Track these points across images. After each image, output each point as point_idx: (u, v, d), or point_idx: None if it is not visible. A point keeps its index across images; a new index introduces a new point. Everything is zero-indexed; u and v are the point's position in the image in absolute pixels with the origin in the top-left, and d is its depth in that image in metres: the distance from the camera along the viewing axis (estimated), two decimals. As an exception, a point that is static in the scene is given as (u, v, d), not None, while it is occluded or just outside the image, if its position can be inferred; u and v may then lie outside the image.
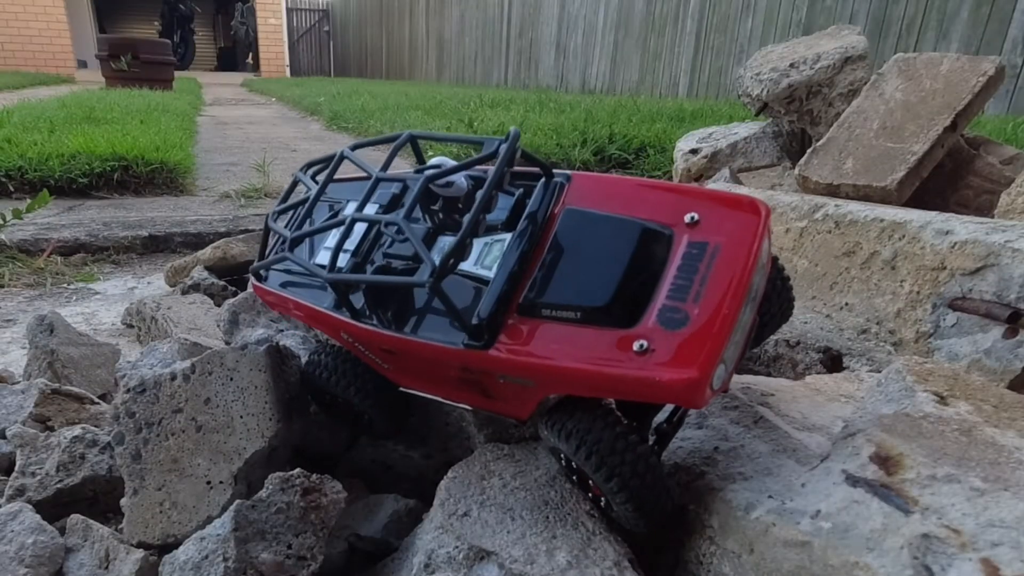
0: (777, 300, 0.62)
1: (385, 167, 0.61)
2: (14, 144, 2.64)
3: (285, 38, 15.22)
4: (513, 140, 0.53)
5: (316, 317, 0.62)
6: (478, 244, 0.57)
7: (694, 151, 1.88)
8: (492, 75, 9.02)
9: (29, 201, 1.60)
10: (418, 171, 0.58)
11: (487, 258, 0.56)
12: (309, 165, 0.69)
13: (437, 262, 0.50)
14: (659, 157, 2.96)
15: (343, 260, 0.61)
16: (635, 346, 0.48)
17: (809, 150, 1.38)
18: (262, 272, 0.68)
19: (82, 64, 12.75)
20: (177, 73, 8.54)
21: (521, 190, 0.58)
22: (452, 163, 0.56)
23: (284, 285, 0.66)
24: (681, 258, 0.50)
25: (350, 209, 0.66)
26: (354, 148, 0.63)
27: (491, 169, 0.53)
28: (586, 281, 0.51)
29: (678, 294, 0.49)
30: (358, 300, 0.59)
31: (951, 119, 1.23)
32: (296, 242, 0.60)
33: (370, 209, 0.65)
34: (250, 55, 17.21)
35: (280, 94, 8.65)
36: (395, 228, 0.53)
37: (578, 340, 0.50)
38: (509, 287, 0.53)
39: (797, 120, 1.69)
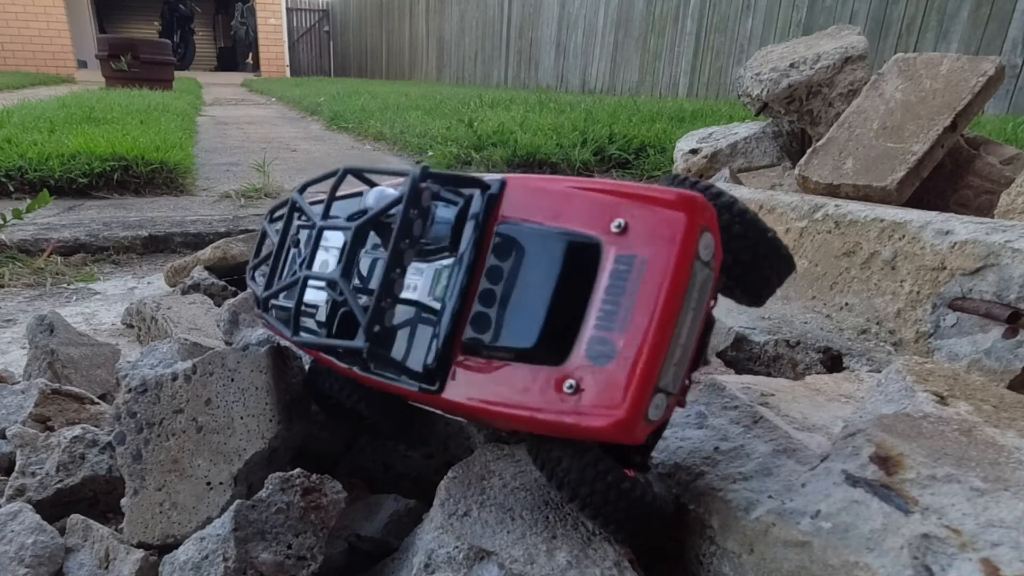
0: (764, 263, 0.55)
1: (326, 210, 0.58)
2: (14, 144, 2.64)
3: (285, 38, 15.22)
4: (413, 183, 0.50)
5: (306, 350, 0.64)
6: (428, 271, 0.55)
7: (694, 151, 1.88)
8: (492, 75, 9.02)
9: (29, 201, 1.60)
10: (352, 216, 0.57)
11: (437, 288, 0.54)
12: (272, 212, 0.69)
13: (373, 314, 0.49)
14: (659, 157, 2.97)
15: (319, 296, 0.60)
16: (565, 386, 0.46)
17: (809, 150, 1.39)
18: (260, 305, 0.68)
19: (82, 64, 12.75)
20: (177, 73, 8.54)
21: (462, 201, 0.55)
22: (392, 193, 0.55)
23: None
24: (609, 276, 0.47)
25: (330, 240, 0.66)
26: (303, 189, 0.62)
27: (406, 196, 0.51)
28: (517, 316, 0.49)
29: (605, 322, 0.46)
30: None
31: (951, 119, 1.24)
32: (266, 302, 0.61)
33: (337, 238, 0.64)
34: (250, 55, 17.21)
35: (280, 94, 8.65)
36: (337, 286, 0.52)
37: (515, 380, 0.48)
38: (453, 327, 0.51)
39: (797, 120, 1.69)
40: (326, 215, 0.58)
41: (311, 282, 0.60)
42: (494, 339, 0.49)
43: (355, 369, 0.58)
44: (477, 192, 0.54)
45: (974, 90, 1.24)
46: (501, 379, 0.49)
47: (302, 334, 0.58)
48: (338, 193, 0.60)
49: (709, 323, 0.52)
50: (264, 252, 0.69)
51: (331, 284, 0.55)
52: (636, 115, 3.87)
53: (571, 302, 0.48)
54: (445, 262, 0.54)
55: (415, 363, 0.53)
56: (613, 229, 0.47)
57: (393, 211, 0.53)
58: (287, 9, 15.84)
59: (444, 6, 10.33)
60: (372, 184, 0.60)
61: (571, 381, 0.46)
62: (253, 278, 0.69)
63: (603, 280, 0.47)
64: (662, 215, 0.46)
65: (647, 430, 0.46)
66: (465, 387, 0.50)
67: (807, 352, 0.92)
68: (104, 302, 1.53)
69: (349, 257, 0.52)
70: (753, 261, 0.53)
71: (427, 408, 0.65)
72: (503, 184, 0.54)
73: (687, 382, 0.50)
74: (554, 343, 0.47)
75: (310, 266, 0.59)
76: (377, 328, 0.50)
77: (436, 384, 0.51)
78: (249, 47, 16.96)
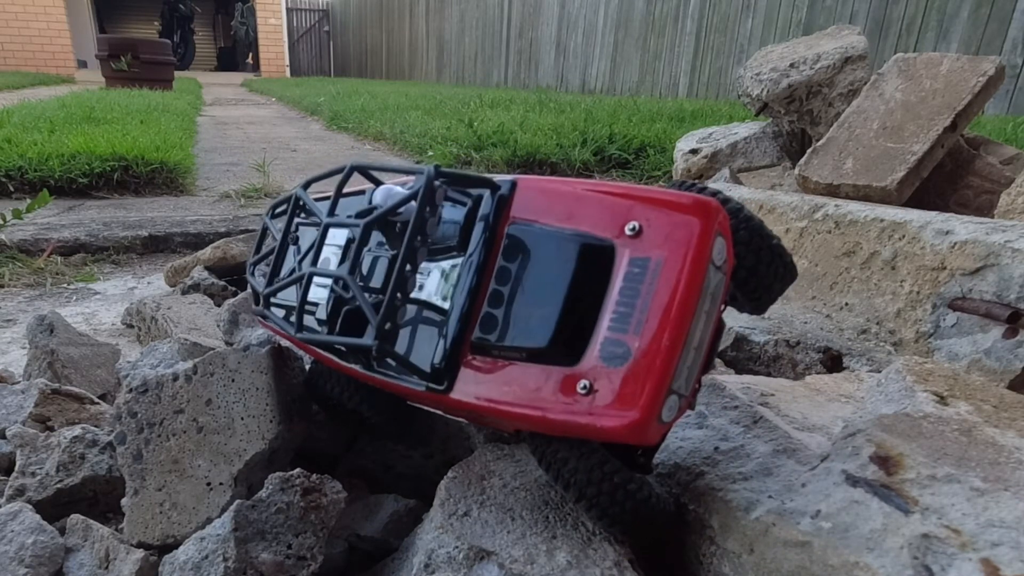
0: (767, 270, 0.55)
1: (332, 207, 0.58)
2: (14, 144, 2.64)
3: (285, 38, 15.22)
4: (428, 181, 0.50)
5: (307, 349, 0.64)
6: (435, 270, 0.55)
7: (694, 151, 1.88)
8: (492, 75, 9.02)
9: (29, 201, 1.60)
10: (360, 214, 0.57)
11: (445, 287, 0.54)
12: (273, 208, 0.69)
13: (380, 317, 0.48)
14: (659, 157, 2.97)
15: (320, 294, 0.60)
16: (579, 387, 0.46)
17: (809, 150, 1.39)
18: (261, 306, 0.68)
19: (82, 64, 12.75)
20: (177, 73, 8.54)
21: (471, 201, 0.55)
22: (400, 191, 0.54)
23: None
24: (623, 279, 0.47)
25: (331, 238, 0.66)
26: (307, 185, 0.62)
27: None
28: (528, 316, 0.49)
29: (620, 324, 0.46)
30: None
31: (951, 119, 1.24)
32: (267, 299, 0.61)
33: (338, 236, 0.64)
34: (250, 55, 17.21)
35: (280, 94, 8.65)
36: (342, 283, 0.52)
37: (526, 380, 0.48)
38: (462, 326, 0.51)
39: (797, 120, 1.69)
40: (332, 212, 0.58)
41: (315, 279, 0.60)
42: (505, 339, 0.49)
43: (358, 368, 0.57)
44: (487, 192, 0.54)
45: (974, 90, 1.24)
46: (511, 379, 0.49)
47: (304, 332, 0.58)
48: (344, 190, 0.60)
49: (720, 327, 0.52)
50: (265, 249, 0.69)
51: (337, 281, 0.55)
52: (636, 115, 3.87)
53: (585, 304, 0.48)
54: (454, 262, 0.54)
55: (422, 362, 0.53)
56: (627, 232, 0.47)
57: (401, 210, 0.53)
58: (287, 9, 15.84)
59: (444, 6, 10.33)
60: (378, 182, 0.60)
61: (585, 382, 0.46)
62: (253, 274, 0.68)
63: (617, 282, 0.47)
64: (677, 219, 0.46)
65: (660, 431, 0.46)
66: (474, 387, 0.50)
67: (807, 352, 0.92)
68: (104, 302, 1.53)
69: (356, 254, 0.52)
70: (756, 267, 0.53)
71: (427, 408, 0.65)
72: (514, 185, 0.54)
73: (697, 385, 0.50)
74: (567, 344, 0.47)
75: (315, 263, 0.59)
76: (388, 326, 0.50)
77: (444, 383, 0.51)
78: (249, 47, 16.97)
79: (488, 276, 0.52)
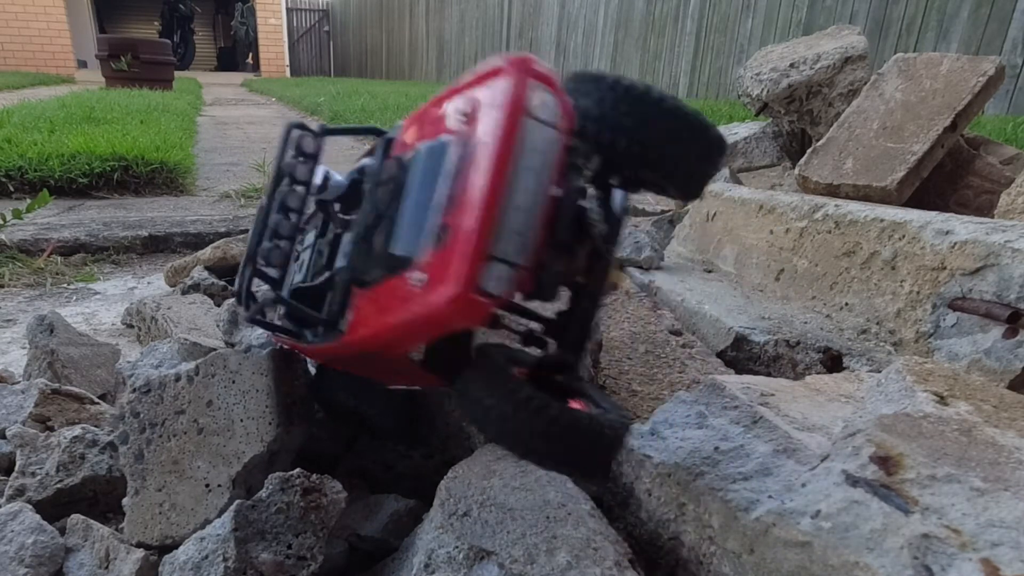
0: (667, 140, 0.48)
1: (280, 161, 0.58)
2: (14, 144, 2.64)
3: (285, 38, 15.22)
4: (286, 129, 0.52)
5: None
6: (347, 234, 0.57)
7: (694, 151, 1.88)
8: (492, 75, 9.01)
9: (29, 201, 1.60)
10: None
11: (337, 244, 0.56)
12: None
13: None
14: (659, 157, 2.96)
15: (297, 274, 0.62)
16: (414, 281, 0.44)
17: (809, 150, 1.39)
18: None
19: (82, 64, 12.75)
20: (177, 73, 8.54)
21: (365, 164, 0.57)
22: (336, 175, 0.57)
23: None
24: (454, 166, 0.45)
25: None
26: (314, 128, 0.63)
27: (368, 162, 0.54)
28: (387, 239, 0.49)
29: (447, 207, 0.44)
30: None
31: (951, 119, 1.24)
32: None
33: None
34: (250, 55, 17.21)
35: (280, 94, 8.65)
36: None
37: (386, 299, 0.48)
38: (349, 274, 0.52)
39: (797, 120, 1.69)
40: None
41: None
42: (372, 268, 0.50)
43: (297, 343, 0.59)
44: (380, 140, 0.55)
45: (974, 90, 1.24)
46: (379, 302, 0.48)
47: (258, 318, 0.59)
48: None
49: (571, 196, 0.46)
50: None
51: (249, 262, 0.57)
52: (636, 115, 3.87)
53: (421, 208, 0.46)
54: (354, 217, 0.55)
55: (325, 314, 0.54)
56: (458, 123, 0.46)
57: (328, 187, 0.57)
58: (287, 9, 15.84)
59: (444, 6, 10.32)
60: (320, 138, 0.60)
61: (418, 275, 0.44)
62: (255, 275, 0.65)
63: (449, 171, 0.45)
64: (492, 87, 0.43)
65: (487, 305, 0.42)
66: (359, 323, 0.50)
67: (807, 352, 0.92)
68: (104, 302, 1.53)
69: (258, 229, 0.55)
70: (650, 137, 0.48)
71: (347, 369, 0.65)
72: (402, 125, 0.54)
73: (546, 261, 0.46)
74: (409, 245, 0.47)
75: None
76: (244, 294, 0.53)
77: (336, 329, 0.52)
78: (249, 47, 16.96)
79: (371, 218, 0.52)
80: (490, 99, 0.43)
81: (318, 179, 0.56)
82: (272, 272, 0.58)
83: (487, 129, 0.42)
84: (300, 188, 0.56)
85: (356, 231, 0.52)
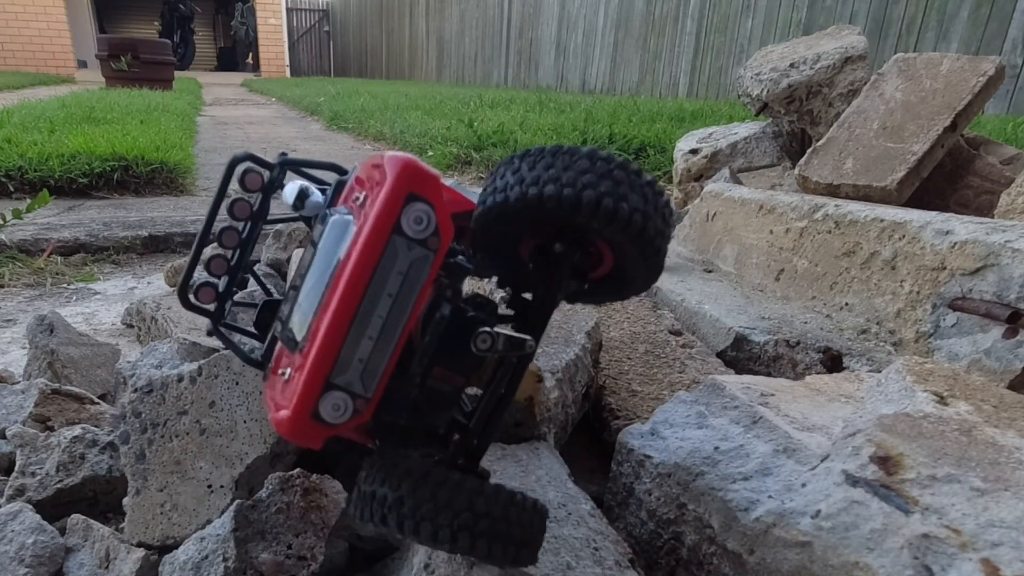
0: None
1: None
2: (14, 144, 2.64)
3: (285, 38, 15.22)
4: (230, 164, 0.48)
5: None
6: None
7: (694, 151, 1.88)
8: (492, 75, 9.02)
9: (29, 201, 1.60)
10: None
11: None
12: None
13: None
14: (659, 157, 2.96)
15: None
16: (281, 374, 0.41)
17: (809, 150, 1.39)
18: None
19: (82, 64, 12.75)
20: (177, 73, 8.54)
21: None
22: (314, 189, 0.53)
23: None
24: (345, 252, 0.41)
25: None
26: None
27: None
28: (289, 307, 0.45)
29: (318, 309, 0.40)
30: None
31: (951, 119, 1.24)
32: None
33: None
34: (250, 55, 17.22)
35: (280, 94, 8.65)
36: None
37: (273, 370, 0.45)
38: (281, 325, 0.48)
39: (797, 120, 1.69)
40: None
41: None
42: (284, 332, 0.45)
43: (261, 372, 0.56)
44: (335, 183, 0.51)
45: (974, 90, 1.24)
46: (275, 368, 0.46)
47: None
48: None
49: (439, 320, 0.42)
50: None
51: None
52: (636, 115, 3.87)
53: (315, 290, 0.43)
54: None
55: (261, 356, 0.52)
56: (359, 204, 0.42)
57: (305, 206, 0.53)
58: (287, 9, 15.84)
59: (444, 6, 10.32)
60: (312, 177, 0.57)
61: (285, 369, 0.41)
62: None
63: (339, 255, 0.41)
64: (379, 181, 0.40)
65: (324, 432, 0.40)
66: (272, 391, 0.46)
67: (807, 352, 0.92)
68: (104, 302, 1.53)
69: (241, 255, 0.53)
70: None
71: None
72: (357, 168, 0.48)
73: (402, 389, 0.42)
74: (297, 331, 0.43)
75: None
76: (192, 293, 0.51)
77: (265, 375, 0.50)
78: (249, 47, 16.97)
79: (305, 270, 0.47)
80: (373, 197, 0.40)
81: (289, 198, 0.52)
82: (207, 305, 0.53)
83: (356, 238, 0.40)
84: (238, 223, 0.53)
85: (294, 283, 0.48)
